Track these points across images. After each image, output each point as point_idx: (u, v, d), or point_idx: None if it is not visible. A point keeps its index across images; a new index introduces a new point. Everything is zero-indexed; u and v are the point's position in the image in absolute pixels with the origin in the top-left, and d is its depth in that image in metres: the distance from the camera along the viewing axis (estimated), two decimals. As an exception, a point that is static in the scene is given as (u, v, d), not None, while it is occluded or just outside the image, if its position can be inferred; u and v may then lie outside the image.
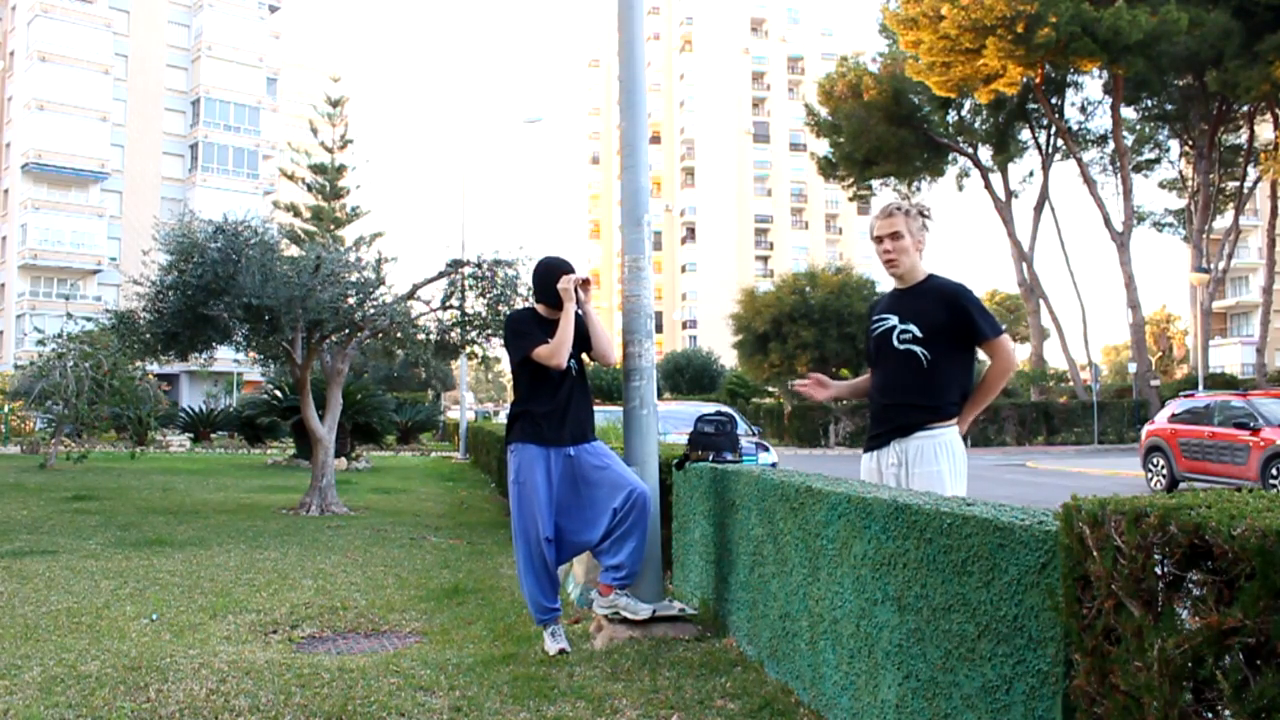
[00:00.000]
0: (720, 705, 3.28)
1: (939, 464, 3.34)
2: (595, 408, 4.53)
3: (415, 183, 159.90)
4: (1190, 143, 36.44)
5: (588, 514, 4.16)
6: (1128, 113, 36.19)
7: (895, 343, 3.42)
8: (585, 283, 4.28)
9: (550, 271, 4.25)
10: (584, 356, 4.38)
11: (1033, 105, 36.14)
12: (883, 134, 37.12)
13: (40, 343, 18.04)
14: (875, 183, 41.50)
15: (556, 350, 4.09)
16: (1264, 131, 36.40)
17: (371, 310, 10.60)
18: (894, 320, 3.46)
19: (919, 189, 40.98)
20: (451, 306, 10.83)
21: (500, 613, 5.11)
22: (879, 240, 3.53)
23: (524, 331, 4.21)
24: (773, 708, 3.22)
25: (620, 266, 4.77)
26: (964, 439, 3.51)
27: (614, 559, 4.12)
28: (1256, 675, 1.43)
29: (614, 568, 4.13)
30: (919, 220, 3.51)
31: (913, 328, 3.40)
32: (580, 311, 4.27)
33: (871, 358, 3.58)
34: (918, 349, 3.38)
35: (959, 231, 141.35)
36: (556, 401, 4.16)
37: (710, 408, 9.06)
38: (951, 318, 3.38)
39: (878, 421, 3.52)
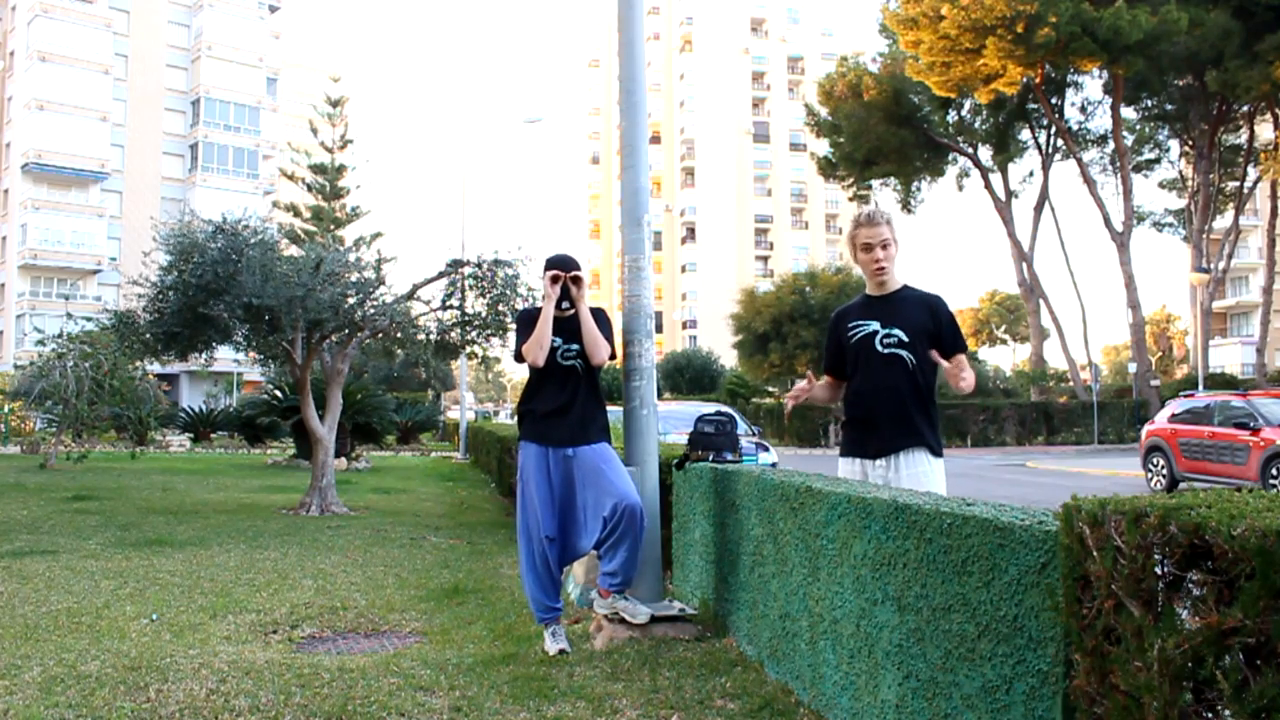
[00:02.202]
0: (720, 705, 3.28)
1: (931, 482, 3.39)
2: None
3: (415, 183, 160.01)
4: (1190, 143, 36.45)
5: (582, 518, 4.16)
6: (1128, 113, 36.20)
7: (879, 347, 3.44)
8: (576, 279, 4.23)
9: (545, 269, 4.26)
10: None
11: (1033, 105, 36.15)
12: (883, 134, 37.13)
13: (40, 343, 18.03)
14: (875, 183, 41.52)
15: (530, 347, 4.11)
16: (1264, 131, 36.41)
17: (371, 310, 10.59)
18: (875, 325, 3.47)
19: (919, 189, 41.01)
20: (451, 306, 10.82)
21: (500, 613, 5.11)
22: (868, 249, 3.52)
23: (521, 329, 4.26)
24: (773, 708, 3.22)
25: (620, 266, 4.77)
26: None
27: (608, 566, 4.14)
28: (1256, 675, 1.43)
29: (609, 574, 4.14)
30: (894, 227, 3.56)
31: (897, 332, 3.42)
32: (573, 310, 4.25)
33: (849, 364, 3.57)
34: (903, 353, 3.41)
35: (959, 231, 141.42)
36: (559, 401, 4.16)
37: (710, 408, 9.06)
38: (934, 324, 3.46)
39: (864, 428, 3.50)
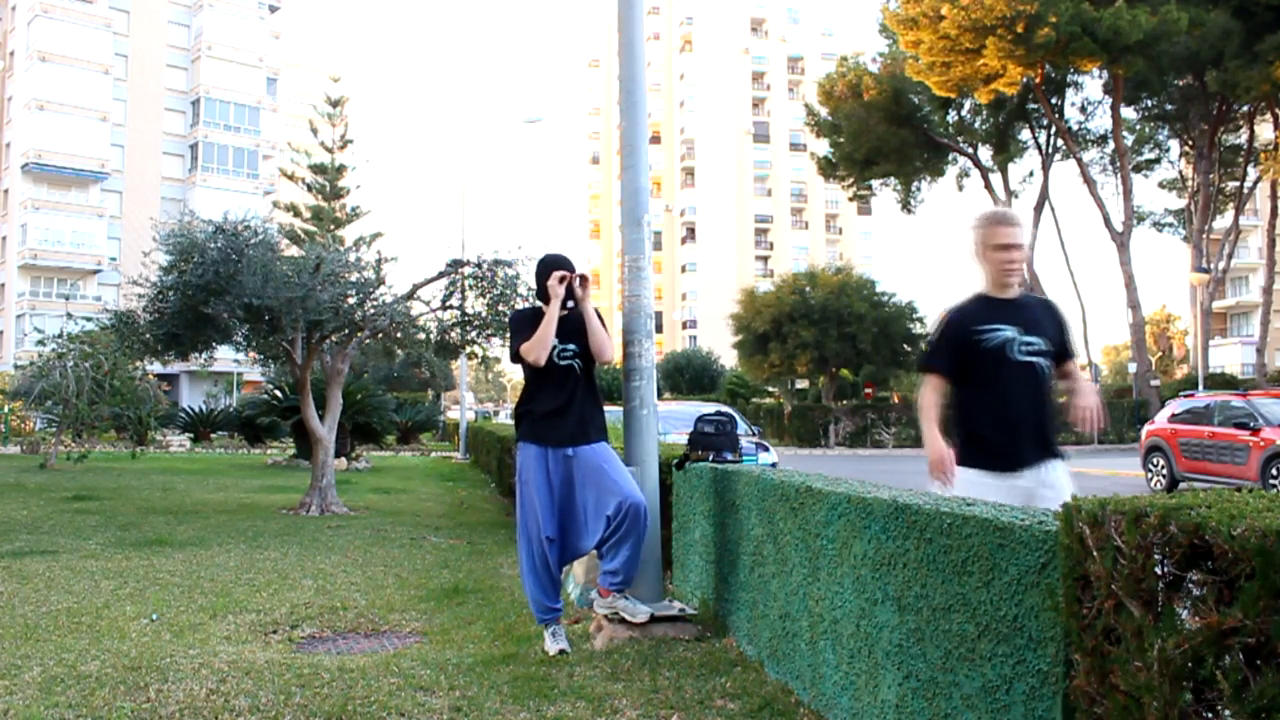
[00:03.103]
0: (720, 705, 3.28)
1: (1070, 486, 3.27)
2: None
3: (415, 183, 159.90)
4: (1190, 143, 36.43)
5: (582, 518, 4.16)
6: (1128, 113, 36.18)
7: (1016, 355, 3.22)
8: (583, 280, 4.26)
9: (545, 269, 4.25)
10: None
11: (1033, 105, 36.13)
12: (883, 134, 37.11)
13: (40, 343, 18.04)
14: (875, 183, 41.52)
15: (533, 346, 4.10)
16: (1264, 131, 36.38)
17: (371, 310, 10.59)
18: (1011, 331, 3.24)
19: (919, 189, 41.01)
20: (451, 306, 10.83)
21: (500, 613, 5.11)
22: (1007, 248, 3.29)
23: (516, 330, 4.25)
24: (773, 708, 3.23)
25: (620, 266, 4.77)
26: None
27: (610, 564, 4.14)
28: (1256, 675, 1.43)
29: (610, 573, 4.15)
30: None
31: (1036, 340, 3.24)
32: (579, 309, 4.25)
33: (974, 370, 3.27)
34: (1039, 361, 3.24)
35: (959, 231, 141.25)
36: (558, 401, 4.16)
37: (710, 408, 9.06)
38: (1059, 333, 3.34)
39: (1003, 441, 3.23)
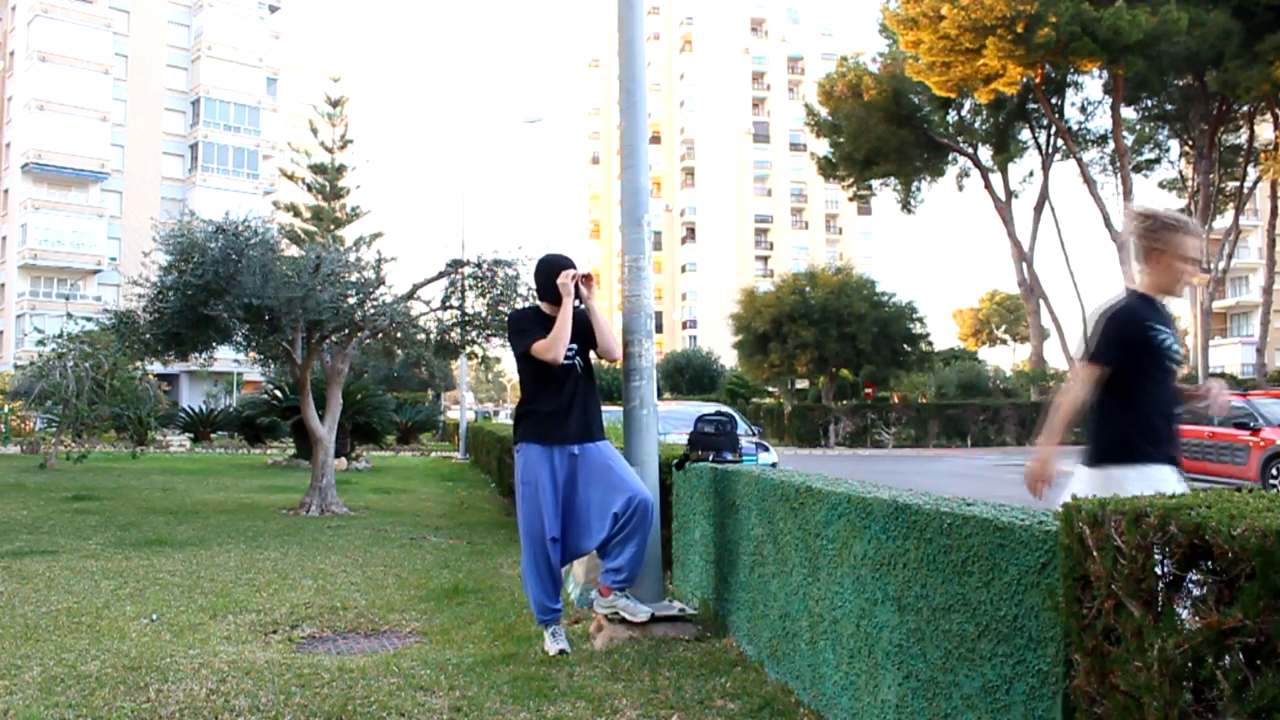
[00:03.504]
0: (720, 705, 3.28)
1: None
2: None
3: (415, 183, 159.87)
4: (1190, 143, 36.43)
5: (587, 516, 4.15)
6: (1128, 113, 36.18)
7: (1172, 359, 3.17)
8: (587, 278, 4.26)
9: (551, 268, 4.24)
10: (591, 354, 4.37)
11: (1033, 105, 36.14)
12: (883, 134, 37.12)
13: (40, 343, 18.04)
14: (875, 183, 41.52)
15: (552, 344, 4.09)
16: (1264, 131, 36.39)
17: (371, 310, 10.59)
18: (1169, 335, 3.17)
19: (919, 189, 41.02)
20: (451, 306, 10.83)
21: (500, 613, 5.11)
22: (1194, 262, 3.21)
23: (523, 329, 4.21)
24: (773, 708, 3.23)
25: (620, 266, 4.77)
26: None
27: (614, 562, 4.13)
28: (1256, 675, 1.43)
29: (613, 570, 4.13)
30: None
31: (1180, 349, 3.24)
32: (584, 307, 4.25)
33: (1144, 364, 3.14)
34: (1178, 369, 3.23)
35: (959, 231, 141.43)
36: (561, 400, 4.15)
37: (710, 408, 9.06)
38: None
39: (1171, 436, 3.18)
